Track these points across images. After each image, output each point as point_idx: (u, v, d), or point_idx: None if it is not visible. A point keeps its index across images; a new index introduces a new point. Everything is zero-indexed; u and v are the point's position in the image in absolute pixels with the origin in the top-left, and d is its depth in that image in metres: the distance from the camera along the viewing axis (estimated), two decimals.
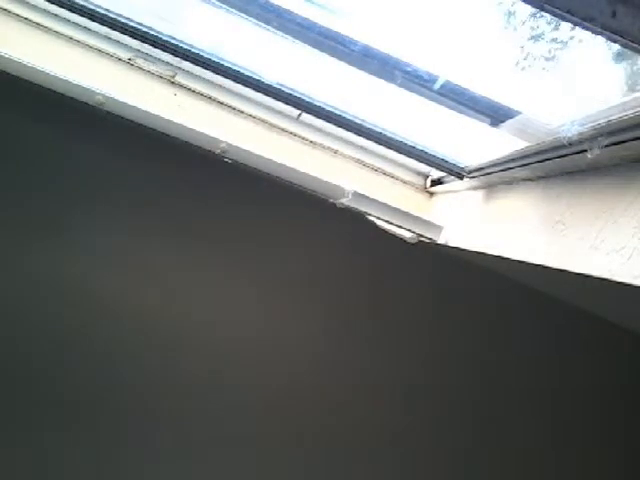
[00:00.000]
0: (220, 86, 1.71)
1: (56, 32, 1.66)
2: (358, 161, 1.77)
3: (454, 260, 1.57)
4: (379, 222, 1.49)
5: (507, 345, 1.94)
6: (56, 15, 1.65)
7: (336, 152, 1.76)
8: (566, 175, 0.95)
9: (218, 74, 1.53)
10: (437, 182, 1.73)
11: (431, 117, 1.49)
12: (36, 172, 1.83)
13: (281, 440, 1.98)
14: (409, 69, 1.30)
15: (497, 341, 1.94)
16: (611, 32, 0.61)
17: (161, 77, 1.69)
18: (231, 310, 1.94)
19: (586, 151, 0.80)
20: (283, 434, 1.98)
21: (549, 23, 1.18)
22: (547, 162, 0.96)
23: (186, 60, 1.53)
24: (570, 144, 0.84)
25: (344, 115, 1.52)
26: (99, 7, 1.45)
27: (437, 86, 1.31)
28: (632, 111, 0.71)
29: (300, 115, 1.71)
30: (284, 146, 1.72)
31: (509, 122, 1.28)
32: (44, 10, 1.65)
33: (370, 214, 1.48)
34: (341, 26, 1.32)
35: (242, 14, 1.40)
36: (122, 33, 1.49)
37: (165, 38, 1.47)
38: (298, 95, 1.51)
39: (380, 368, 1.95)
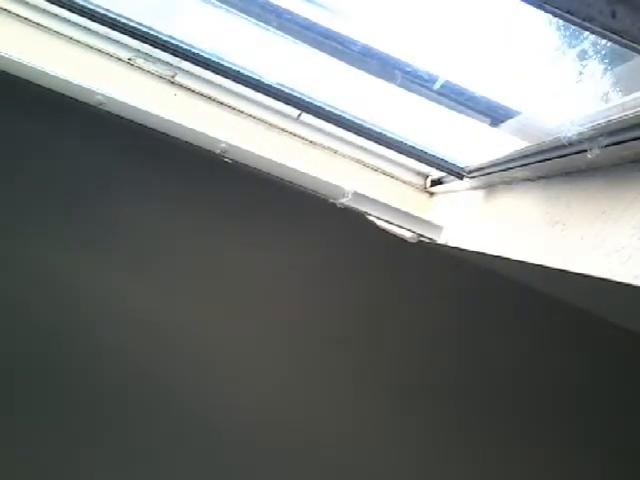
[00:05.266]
0: (220, 86, 1.71)
1: (56, 32, 1.66)
2: (358, 161, 1.78)
3: (454, 260, 1.57)
4: (379, 222, 1.49)
5: (507, 345, 1.94)
6: (56, 15, 1.65)
7: (336, 152, 1.76)
8: (566, 175, 0.95)
9: (218, 74, 1.53)
10: (437, 182, 1.73)
11: (431, 117, 1.49)
12: (36, 172, 1.83)
13: (280, 441, 1.98)
14: (409, 69, 1.30)
15: (497, 341, 1.94)
16: (611, 32, 0.61)
17: (161, 77, 1.70)
18: (229, 310, 1.94)
19: (586, 151, 0.80)
20: (282, 435, 1.98)
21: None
22: (547, 162, 0.96)
23: (186, 60, 1.53)
24: (570, 144, 0.84)
25: (344, 115, 1.52)
26: (99, 7, 1.45)
27: (437, 86, 1.31)
28: (632, 111, 0.71)
29: (300, 115, 1.71)
30: (284, 146, 1.73)
31: (509, 122, 1.28)
32: (44, 10, 1.65)
33: (370, 214, 1.48)
34: (341, 26, 1.32)
35: (242, 14, 1.40)
36: (122, 33, 1.49)
37: (165, 38, 1.47)
38: (298, 95, 1.51)
39: (379, 368, 1.95)
